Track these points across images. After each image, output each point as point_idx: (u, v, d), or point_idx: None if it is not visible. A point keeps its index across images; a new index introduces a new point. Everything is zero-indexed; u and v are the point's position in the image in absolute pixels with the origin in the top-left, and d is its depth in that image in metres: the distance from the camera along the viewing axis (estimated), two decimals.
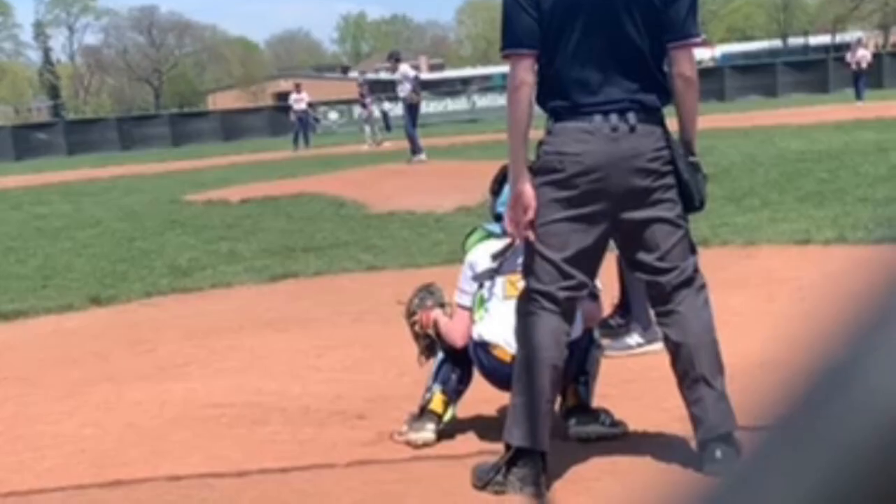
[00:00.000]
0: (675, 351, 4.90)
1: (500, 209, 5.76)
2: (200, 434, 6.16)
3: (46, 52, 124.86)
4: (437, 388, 5.74)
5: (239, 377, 7.38)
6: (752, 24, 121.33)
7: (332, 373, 7.26)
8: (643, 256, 4.90)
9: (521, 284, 5.35)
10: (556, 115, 4.83)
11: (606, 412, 5.58)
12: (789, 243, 10.79)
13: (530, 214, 4.79)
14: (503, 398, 5.37)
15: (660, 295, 4.95)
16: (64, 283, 11.96)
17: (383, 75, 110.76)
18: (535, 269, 4.89)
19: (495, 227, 5.82)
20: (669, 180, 4.77)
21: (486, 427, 5.77)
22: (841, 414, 0.53)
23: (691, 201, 4.82)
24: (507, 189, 5.61)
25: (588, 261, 4.90)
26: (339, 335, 8.36)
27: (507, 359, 5.36)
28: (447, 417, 5.73)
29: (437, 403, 5.71)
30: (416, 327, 5.94)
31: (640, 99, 4.76)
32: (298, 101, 44.35)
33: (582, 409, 5.55)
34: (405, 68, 28.57)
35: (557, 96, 4.81)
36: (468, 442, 5.70)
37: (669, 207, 4.79)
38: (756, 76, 68.19)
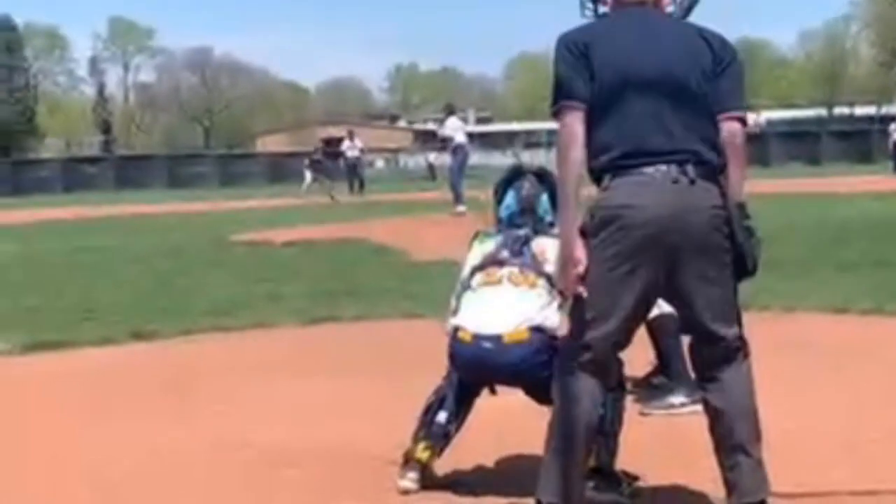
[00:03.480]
0: (715, 417, 4.84)
1: (503, 213, 5.96)
2: (233, 474, 6.16)
3: (100, 87, 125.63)
4: (421, 435, 5.74)
5: (274, 418, 7.37)
6: (798, 91, 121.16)
7: (366, 418, 7.24)
8: (694, 318, 4.82)
9: (496, 274, 5.59)
10: (611, 171, 4.68)
11: (629, 478, 5.51)
12: (827, 311, 10.73)
13: (580, 271, 4.70)
14: (506, 446, 5.38)
15: (706, 360, 4.87)
16: (106, 317, 11.99)
17: (431, 126, 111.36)
18: (578, 324, 4.81)
19: (491, 230, 5.95)
20: (725, 242, 4.67)
21: (494, 475, 5.75)
22: None
23: (744, 266, 4.71)
24: (510, 193, 5.93)
25: (631, 321, 4.84)
26: (375, 381, 8.34)
27: (468, 339, 5.45)
28: (433, 463, 5.73)
29: (420, 452, 5.70)
30: None
31: (699, 153, 4.66)
32: (351, 149, 44.73)
33: (602, 471, 5.41)
34: (454, 121, 28.53)
35: (612, 151, 4.67)
36: (480, 490, 5.67)
37: (722, 269, 4.69)
38: (800, 144, 68.28)
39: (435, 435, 5.70)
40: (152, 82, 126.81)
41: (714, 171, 4.69)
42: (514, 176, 6.07)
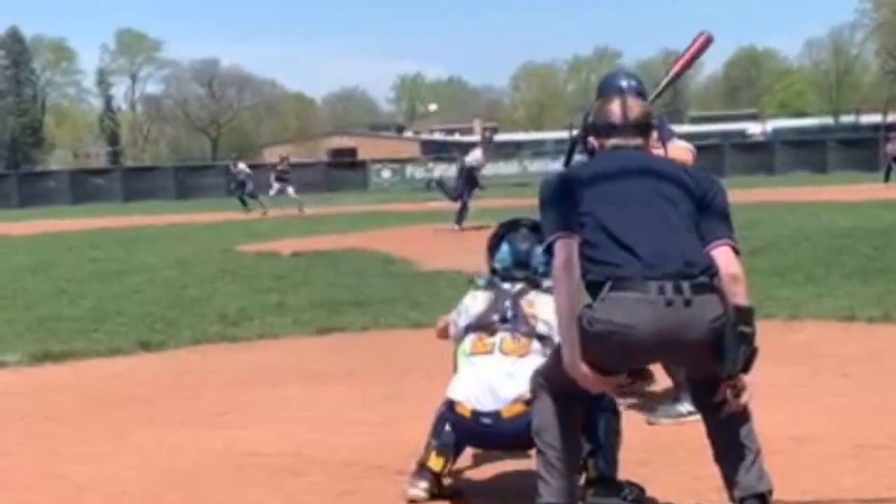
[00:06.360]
0: (711, 423, 4.89)
1: (496, 265, 6.02)
2: (239, 482, 6.16)
3: (108, 99, 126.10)
4: (433, 444, 5.76)
5: (281, 427, 7.38)
6: (804, 100, 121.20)
7: (373, 427, 7.25)
8: (687, 379, 5.08)
9: (488, 341, 5.65)
10: (608, 283, 4.64)
11: (633, 486, 5.49)
12: (833, 319, 10.71)
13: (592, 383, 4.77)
14: (513, 455, 5.63)
15: (698, 398, 5.03)
16: (114, 327, 12.02)
17: (437, 136, 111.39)
18: (560, 370, 4.85)
19: (482, 281, 6.02)
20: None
21: (501, 484, 5.76)
22: None
23: (721, 369, 4.66)
24: (504, 246, 6.01)
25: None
26: (382, 390, 8.36)
27: (467, 415, 5.54)
28: (445, 472, 5.76)
29: (432, 460, 5.73)
30: None
31: (694, 263, 4.66)
32: (239, 173, 45.48)
33: (603, 481, 5.42)
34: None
35: (608, 266, 4.66)
36: (486, 499, 5.68)
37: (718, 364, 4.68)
38: (806, 152, 68.09)
39: (447, 444, 5.72)
40: (160, 94, 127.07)
41: (710, 281, 4.67)
42: (509, 228, 6.11)
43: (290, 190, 41.43)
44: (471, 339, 5.74)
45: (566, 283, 4.73)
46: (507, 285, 5.87)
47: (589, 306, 4.69)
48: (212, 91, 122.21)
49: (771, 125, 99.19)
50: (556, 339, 5.45)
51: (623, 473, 5.47)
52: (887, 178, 41.88)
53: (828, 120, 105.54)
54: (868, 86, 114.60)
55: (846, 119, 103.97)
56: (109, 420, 7.81)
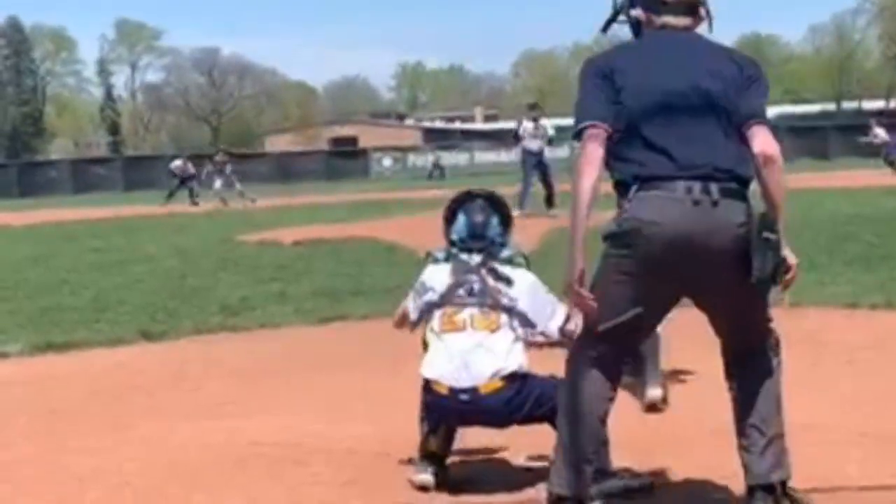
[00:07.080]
0: (736, 399, 4.92)
1: (453, 237, 5.97)
2: (242, 473, 6.15)
3: (108, 88, 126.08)
4: (425, 428, 5.77)
5: (283, 418, 7.38)
6: (806, 86, 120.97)
7: (375, 416, 7.24)
8: (719, 327, 4.95)
9: (457, 318, 5.60)
10: (637, 183, 4.62)
11: (625, 470, 5.48)
12: (836, 307, 10.70)
13: (585, 296, 4.67)
14: (517, 441, 5.47)
15: (732, 358, 4.99)
16: (115, 317, 12.02)
17: (438, 124, 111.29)
18: (587, 331, 4.83)
19: (441, 254, 5.97)
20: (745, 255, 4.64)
21: (506, 470, 5.75)
22: None
23: (749, 275, 4.63)
24: (460, 218, 5.94)
25: (645, 327, 4.96)
26: (384, 379, 8.34)
27: (444, 392, 5.52)
28: (446, 453, 5.78)
29: (430, 443, 5.74)
30: None
31: (724, 169, 4.62)
32: (183, 171, 45.67)
33: (598, 472, 5.42)
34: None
35: (637, 165, 4.63)
36: (492, 485, 5.67)
37: (744, 281, 4.64)
38: (809, 138, 68.02)
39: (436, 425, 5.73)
40: (160, 83, 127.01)
41: (740, 188, 4.66)
42: (465, 199, 6.08)
43: (218, 183, 41.42)
44: (438, 316, 5.71)
45: (583, 176, 4.63)
46: (466, 256, 5.85)
47: (619, 207, 4.66)
48: (212, 80, 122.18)
49: (773, 112, 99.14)
50: (522, 308, 5.59)
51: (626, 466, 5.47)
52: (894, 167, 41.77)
53: (830, 106, 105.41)
54: (871, 71, 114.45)
55: (849, 105, 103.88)
56: (111, 411, 7.81)
